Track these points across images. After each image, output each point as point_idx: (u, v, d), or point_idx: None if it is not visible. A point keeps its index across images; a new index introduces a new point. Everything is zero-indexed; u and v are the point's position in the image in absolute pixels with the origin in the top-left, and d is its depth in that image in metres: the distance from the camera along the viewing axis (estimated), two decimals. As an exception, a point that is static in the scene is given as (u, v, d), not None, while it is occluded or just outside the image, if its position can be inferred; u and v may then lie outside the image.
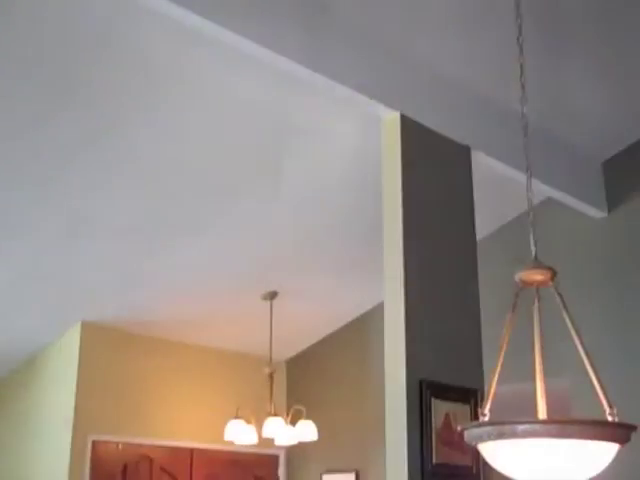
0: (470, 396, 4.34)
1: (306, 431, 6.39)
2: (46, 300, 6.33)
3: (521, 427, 2.13)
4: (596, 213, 5.90)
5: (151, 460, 6.94)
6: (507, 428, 2.15)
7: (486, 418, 2.31)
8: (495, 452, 2.26)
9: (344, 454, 7.34)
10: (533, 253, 2.42)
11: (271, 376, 6.51)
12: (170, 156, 4.97)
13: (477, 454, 4.51)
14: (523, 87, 2.62)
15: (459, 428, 2.35)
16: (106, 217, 5.44)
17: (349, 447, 7.32)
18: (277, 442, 6.49)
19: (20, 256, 5.70)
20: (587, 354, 2.26)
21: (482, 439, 2.23)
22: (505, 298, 2.42)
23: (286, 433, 6.35)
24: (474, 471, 4.49)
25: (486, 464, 4.61)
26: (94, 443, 6.61)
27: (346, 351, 7.59)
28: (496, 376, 2.35)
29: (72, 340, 6.75)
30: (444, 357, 4.59)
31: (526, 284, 2.37)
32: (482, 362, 4.68)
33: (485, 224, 5.72)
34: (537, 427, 2.12)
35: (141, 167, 5.03)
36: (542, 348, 2.36)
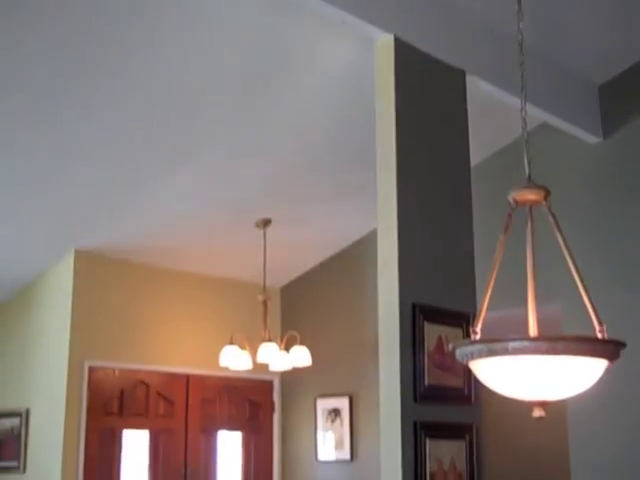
0: (462, 320, 4.37)
1: (300, 356, 6.46)
2: (39, 228, 6.32)
3: (512, 344, 2.15)
4: (591, 138, 5.87)
5: (147, 386, 7.02)
6: (498, 345, 2.17)
7: (477, 336, 2.32)
8: (486, 370, 2.28)
9: (338, 379, 7.44)
10: (527, 172, 2.41)
11: (265, 303, 6.55)
12: (163, 83, 4.92)
13: (469, 376, 4.59)
14: (519, 1, 2.59)
15: (450, 346, 2.37)
16: (100, 144, 5.40)
17: (343, 372, 7.41)
18: (271, 368, 6.56)
19: (11, 185, 5.67)
20: (578, 271, 2.27)
21: (473, 357, 2.25)
22: (499, 223, 2.42)
23: (280, 359, 6.42)
24: (466, 392, 4.56)
25: (477, 386, 4.69)
26: (91, 369, 6.67)
27: (340, 278, 7.63)
28: (488, 295, 2.36)
29: (66, 268, 6.77)
30: (437, 281, 4.62)
31: (519, 203, 2.37)
32: (475, 286, 4.71)
33: (480, 150, 5.70)
34: (527, 344, 2.14)
35: (135, 94, 4.98)
36: (534, 267, 2.36)
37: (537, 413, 2.29)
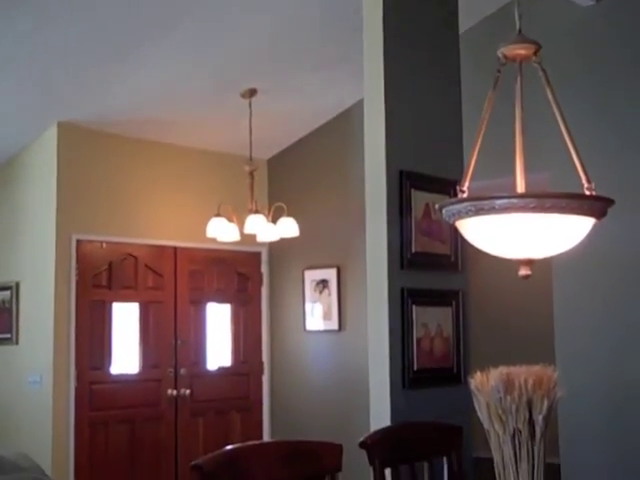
0: (450, 187, 4.33)
1: (287, 227, 6.46)
2: (20, 100, 6.20)
3: (499, 202, 2.13)
4: (584, 1, 5.73)
5: (136, 258, 7.04)
6: (485, 203, 2.15)
7: (464, 195, 2.30)
8: (473, 228, 2.26)
9: (325, 250, 7.48)
10: (517, 27, 2.33)
11: (252, 174, 6.50)
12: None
13: (456, 243, 4.60)
14: None
15: (437, 206, 2.35)
16: (81, 11, 5.22)
17: (330, 243, 7.44)
18: (259, 239, 6.57)
19: (-10, 53, 5.52)
20: (567, 127, 2.23)
21: (460, 215, 2.23)
22: (486, 90, 2.35)
23: (268, 230, 6.42)
24: (452, 259, 4.59)
25: (464, 252, 4.70)
26: (78, 242, 6.67)
27: (327, 149, 7.57)
28: (476, 152, 2.32)
29: (49, 141, 6.67)
30: (424, 149, 4.58)
31: (509, 59, 2.30)
32: (462, 153, 4.68)
33: (468, 16, 5.55)
34: (515, 201, 2.12)
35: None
36: (523, 125, 2.31)
37: (523, 271, 2.29)
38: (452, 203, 2.23)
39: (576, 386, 5.37)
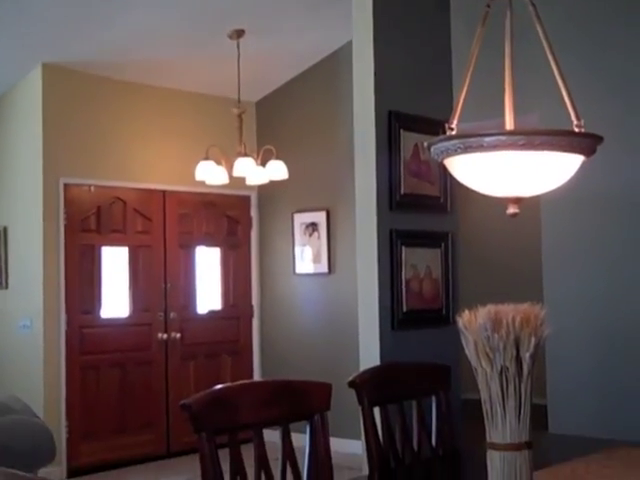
0: (439, 127, 4.28)
1: (277, 170, 6.42)
2: (5, 39, 6.10)
3: (488, 139, 2.11)
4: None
5: (124, 202, 7.01)
6: (474, 140, 2.13)
7: (453, 132, 2.28)
8: (461, 166, 2.24)
9: (315, 193, 7.45)
10: (506, -40, 2.28)
11: (240, 117, 6.43)
12: None
13: (445, 184, 4.59)
14: None
15: (425, 144, 2.33)
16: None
17: (320, 187, 7.42)
18: (248, 182, 6.54)
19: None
20: (557, 62, 2.20)
21: (448, 153, 2.21)
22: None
23: (257, 173, 6.39)
24: (442, 201, 4.58)
25: (453, 194, 4.69)
26: (66, 186, 6.63)
27: (316, 91, 7.49)
28: (465, 88, 2.29)
29: (34, 82, 6.59)
30: (413, 89, 4.54)
31: (498, -7, 2.26)
32: (452, 94, 4.63)
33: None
34: (504, 139, 2.10)
35: None
36: (512, 61, 2.28)
37: (511, 210, 2.28)
38: (440, 140, 2.21)
39: (564, 326, 5.41)
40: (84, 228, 6.76)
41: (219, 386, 2.46)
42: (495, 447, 2.19)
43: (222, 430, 2.34)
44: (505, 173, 2.18)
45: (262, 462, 2.41)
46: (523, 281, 7.33)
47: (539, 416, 5.42)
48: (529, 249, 7.84)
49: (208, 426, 2.29)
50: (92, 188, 6.82)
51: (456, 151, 2.18)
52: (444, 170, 2.33)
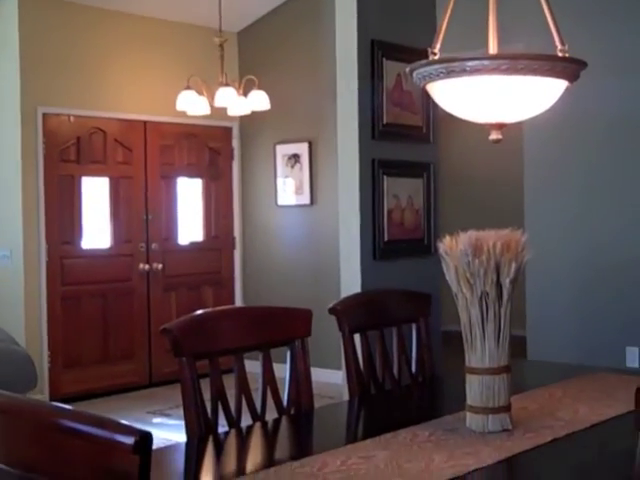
0: (422, 57, 4.25)
1: (258, 101, 6.35)
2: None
3: (470, 63, 2.09)
4: None
5: (104, 132, 6.92)
6: (456, 65, 2.11)
7: (436, 57, 2.25)
8: (444, 92, 2.23)
9: (297, 125, 7.39)
10: None
11: (222, 46, 6.33)
12: None
13: (428, 114, 4.56)
14: None
15: (407, 69, 2.30)
16: None
17: (302, 117, 7.35)
18: (230, 112, 6.47)
19: None
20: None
21: (431, 78, 2.19)
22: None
23: (238, 103, 6.32)
24: (424, 131, 4.56)
25: (436, 124, 4.66)
26: (45, 116, 6.54)
27: (299, 21, 7.38)
28: (448, 11, 2.26)
29: (10, 9, 6.45)
30: (397, 18, 4.48)
31: None
32: (436, 23, 4.58)
33: None
34: (487, 63, 2.08)
35: None
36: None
37: (494, 135, 2.27)
38: (423, 65, 2.19)
39: (545, 255, 5.45)
40: (63, 158, 6.69)
41: (200, 311, 2.47)
42: (474, 371, 2.22)
43: (202, 355, 2.35)
44: (488, 98, 2.16)
45: (243, 386, 2.43)
46: (506, 212, 7.32)
47: (519, 347, 5.50)
48: (511, 180, 7.85)
49: (188, 351, 2.30)
50: (71, 118, 6.73)
51: (438, 76, 2.16)
52: (427, 100, 2.31)
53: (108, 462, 1.25)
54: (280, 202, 7.54)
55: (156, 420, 5.96)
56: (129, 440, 1.22)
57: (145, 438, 1.22)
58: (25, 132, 6.42)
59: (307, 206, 7.35)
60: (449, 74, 2.12)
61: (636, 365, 5.25)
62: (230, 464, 2.16)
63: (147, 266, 7.18)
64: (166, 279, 7.33)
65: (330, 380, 6.14)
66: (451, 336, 4.30)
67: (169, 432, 5.30)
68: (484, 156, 9.00)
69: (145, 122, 7.16)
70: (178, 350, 2.29)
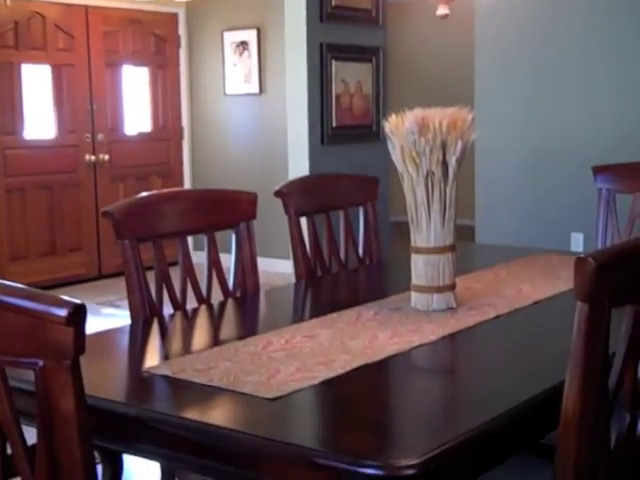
0: None
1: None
2: None
3: None
4: None
5: (43, 17, 6.67)
6: None
7: None
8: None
9: (245, 11, 7.18)
10: None
11: None
12: None
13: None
14: None
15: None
16: None
17: (250, 3, 7.15)
18: (175, -4, 6.28)
19: None
20: None
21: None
22: None
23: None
24: (373, 14, 4.46)
25: (386, 7, 4.56)
26: (-20, 0, 6.28)
27: None
28: None
29: None
30: None
31: None
32: None
33: None
34: None
35: None
36: None
37: (441, 10, 2.21)
38: None
39: (493, 142, 5.44)
40: (1, 44, 6.44)
41: (143, 194, 2.42)
42: (419, 251, 2.22)
43: (146, 238, 2.32)
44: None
45: (188, 270, 2.40)
46: (456, 97, 7.24)
47: (468, 237, 5.53)
48: (462, 64, 7.78)
49: (131, 233, 2.26)
50: (8, 2, 6.45)
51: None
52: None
53: (43, 335, 1.23)
54: (228, 91, 7.40)
55: (105, 311, 5.95)
56: (62, 312, 1.19)
57: (78, 309, 1.19)
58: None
59: (256, 95, 7.22)
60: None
61: (580, 250, 5.33)
62: (175, 344, 2.15)
63: (93, 157, 7.05)
64: (113, 170, 7.21)
65: (279, 270, 6.16)
66: (400, 226, 4.31)
67: (119, 322, 5.29)
68: (434, 38, 8.89)
69: (86, 6, 6.92)
70: (120, 232, 2.25)
